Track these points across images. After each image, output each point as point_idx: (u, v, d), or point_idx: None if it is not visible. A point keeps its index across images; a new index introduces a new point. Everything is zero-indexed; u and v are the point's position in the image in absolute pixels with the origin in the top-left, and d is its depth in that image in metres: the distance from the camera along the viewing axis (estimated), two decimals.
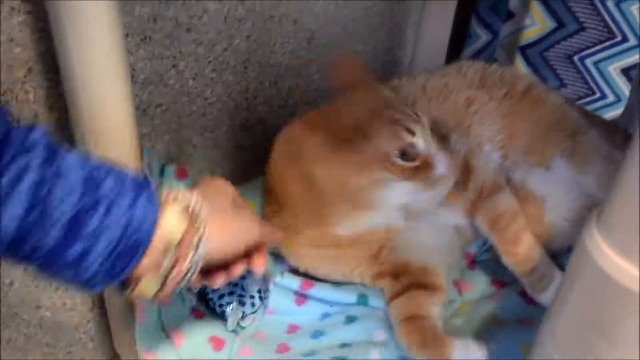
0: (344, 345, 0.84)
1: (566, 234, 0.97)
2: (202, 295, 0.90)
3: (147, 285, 0.58)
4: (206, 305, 0.90)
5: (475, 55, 1.42)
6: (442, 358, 0.76)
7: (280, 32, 1.11)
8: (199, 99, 1.04)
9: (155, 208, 0.56)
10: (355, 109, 0.78)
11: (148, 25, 0.90)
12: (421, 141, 0.78)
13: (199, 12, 0.96)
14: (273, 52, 1.12)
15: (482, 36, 1.40)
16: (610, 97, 1.43)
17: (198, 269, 0.59)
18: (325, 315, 0.91)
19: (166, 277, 0.57)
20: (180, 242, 0.56)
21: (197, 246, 0.57)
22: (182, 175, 0.94)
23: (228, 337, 0.85)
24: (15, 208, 0.48)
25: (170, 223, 0.56)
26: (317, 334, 0.86)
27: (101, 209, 0.52)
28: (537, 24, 1.43)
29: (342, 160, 0.77)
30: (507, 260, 0.86)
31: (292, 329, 0.89)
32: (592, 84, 1.44)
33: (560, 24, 1.40)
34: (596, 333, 0.39)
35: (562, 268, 0.97)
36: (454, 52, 1.40)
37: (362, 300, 0.91)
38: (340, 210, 0.82)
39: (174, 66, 0.97)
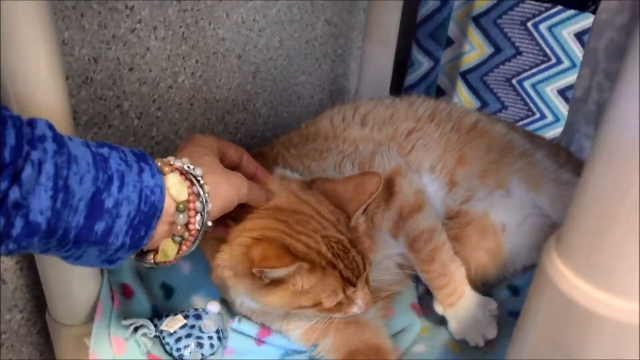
0: None
1: (523, 257, 1.00)
2: (159, 340, 0.88)
3: (167, 248, 0.64)
4: (164, 350, 0.87)
5: (419, 82, 1.45)
6: None
7: (224, 67, 1.10)
8: (144, 139, 1.02)
9: (159, 174, 0.61)
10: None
11: (89, 66, 0.89)
12: (352, 292, 0.78)
13: (141, 51, 0.95)
14: (218, 87, 1.11)
15: (424, 63, 1.43)
16: (549, 117, 1.48)
17: (208, 223, 0.65)
18: (286, 355, 0.89)
19: (182, 237, 0.64)
20: (187, 201, 0.62)
21: (203, 202, 0.63)
22: None
23: None
24: (42, 201, 0.51)
25: (175, 185, 0.62)
26: None
27: (116, 184, 0.56)
28: (475, 49, 1.48)
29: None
30: (423, 276, 0.90)
31: None
32: (531, 105, 1.49)
33: (498, 49, 1.45)
34: (562, 356, 0.40)
35: (516, 290, 1.00)
36: (398, 79, 1.42)
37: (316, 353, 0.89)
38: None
39: (117, 106, 0.95)
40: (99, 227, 0.56)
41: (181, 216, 0.62)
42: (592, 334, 0.38)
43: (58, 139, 0.53)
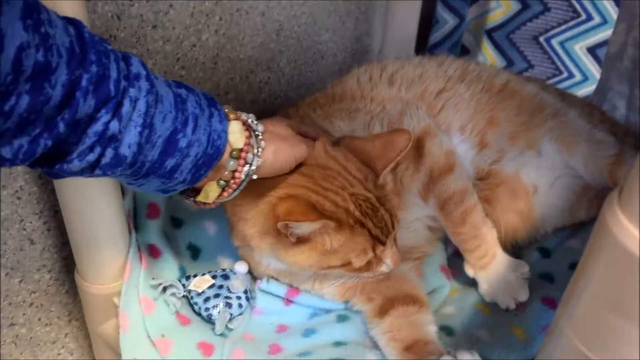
0: (338, 344, 0.82)
1: (554, 219, 0.98)
2: (187, 300, 0.88)
3: (210, 190, 0.66)
4: (192, 309, 0.87)
5: (443, 40, 1.41)
6: None
7: (248, 24, 1.08)
8: None
9: (225, 120, 0.64)
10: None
11: (112, 23, 0.87)
12: (384, 250, 0.77)
13: (164, 7, 0.92)
14: (242, 45, 1.09)
15: (449, 21, 1.39)
16: (578, 76, 1.44)
17: (253, 176, 0.67)
18: (315, 315, 0.89)
19: (227, 182, 0.66)
20: (241, 150, 0.65)
21: (255, 155, 0.66)
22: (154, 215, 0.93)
23: (217, 341, 0.83)
24: (132, 136, 0.54)
25: (234, 132, 0.64)
26: (308, 333, 0.84)
27: (190, 125, 0.60)
28: (502, 6, 1.43)
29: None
30: (454, 239, 0.88)
31: (282, 328, 0.87)
32: (559, 64, 1.44)
33: (525, 6, 1.40)
34: (618, 313, 0.38)
35: (546, 252, 0.98)
36: (422, 38, 1.39)
37: (348, 307, 0.88)
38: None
39: None
40: (169, 163, 0.59)
41: (232, 162, 0.65)
42: None
43: (150, 77, 0.56)
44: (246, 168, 0.65)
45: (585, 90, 1.42)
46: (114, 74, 0.52)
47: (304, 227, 0.71)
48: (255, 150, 0.66)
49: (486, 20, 1.47)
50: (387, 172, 0.79)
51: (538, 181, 0.96)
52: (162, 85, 0.58)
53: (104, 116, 0.52)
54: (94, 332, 0.92)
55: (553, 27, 1.40)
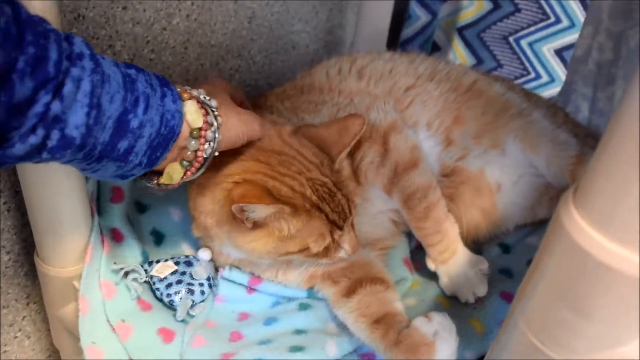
0: (299, 332, 0.82)
1: (516, 216, 1.00)
2: (149, 286, 0.87)
3: (173, 172, 0.67)
4: (153, 295, 0.86)
5: (415, 36, 1.42)
6: (421, 346, 0.74)
7: (220, 10, 1.07)
8: None
9: (179, 100, 0.64)
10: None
11: (81, 2, 0.85)
12: (338, 235, 0.78)
13: None
14: (214, 31, 1.08)
15: (422, 17, 1.40)
16: (544, 77, 1.46)
17: (216, 152, 0.67)
18: (277, 304, 0.89)
19: (190, 162, 0.66)
20: (201, 129, 0.65)
21: (215, 131, 0.66)
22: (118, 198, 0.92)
23: (178, 327, 0.82)
24: (78, 117, 0.53)
25: (191, 112, 0.64)
26: (270, 321, 0.84)
27: (141, 106, 0.59)
28: (474, 4, 1.44)
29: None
30: (416, 233, 0.89)
31: (244, 316, 0.87)
32: (527, 65, 1.47)
33: (496, 5, 1.42)
34: (571, 309, 0.40)
35: (506, 248, 1.00)
36: (394, 33, 1.40)
37: (311, 294, 0.89)
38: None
39: (110, 46, 0.92)
40: (122, 145, 0.59)
41: (193, 142, 0.65)
42: (605, 288, 0.37)
43: (94, 57, 0.55)
44: (207, 146, 0.66)
45: (551, 91, 1.45)
46: (53, 55, 0.50)
47: (259, 211, 0.71)
48: (214, 128, 0.66)
49: (458, 18, 1.48)
50: (343, 157, 0.80)
51: (502, 179, 0.98)
52: (109, 64, 0.57)
53: (44, 97, 0.50)
54: (52, 316, 0.91)
55: (523, 28, 1.42)
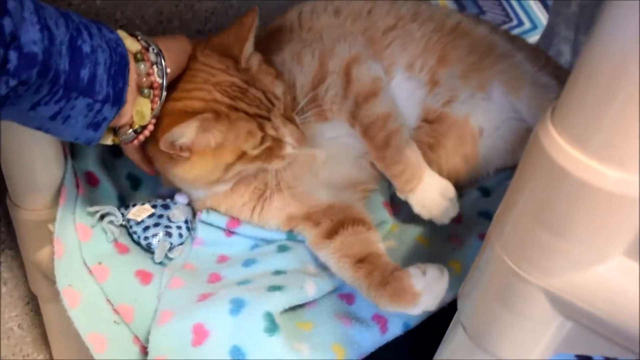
0: (278, 273, 0.82)
1: (497, 160, 0.99)
2: (126, 229, 0.86)
3: (141, 105, 0.68)
4: (130, 239, 0.85)
5: None
6: (408, 294, 0.74)
7: None
8: (108, 22, 0.95)
9: (115, 31, 0.65)
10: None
11: None
12: (273, 129, 0.78)
13: None
14: None
15: None
16: (527, 24, 1.45)
17: (168, 78, 0.69)
18: (256, 246, 0.89)
19: (150, 89, 0.68)
20: (141, 52, 0.67)
21: (155, 52, 0.68)
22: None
23: (156, 269, 0.82)
24: (32, 33, 0.53)
25: (128, 41, 0.67)
26: (249, 262, 0.84)
27: (85, 33, 0.60)
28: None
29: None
30: (379, 164, 0.87)
31: (223, 259, 0.86)
32: (509, 11, 1.45)
33: None
34: (547, 229, 0.39)
35: (487, 191, 1.00)
36: None
37: (291, 236, 0.88)
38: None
39: None
40: (84, 73, 0.59)
41: (142, 66, 0.67)
42: (582, 205, 0.37)
43: None
44: (156, 69, 0.68)
45: (534, 38, 1.44)
46: None
47: (184, 133, 0.72)
48: (152, 49, 0.68)
49: None
50: (246, 54, 0.80)
51: (485, 124, 0.97)
52: None
53: None
54: (28, 260, 0.90)
55: None
